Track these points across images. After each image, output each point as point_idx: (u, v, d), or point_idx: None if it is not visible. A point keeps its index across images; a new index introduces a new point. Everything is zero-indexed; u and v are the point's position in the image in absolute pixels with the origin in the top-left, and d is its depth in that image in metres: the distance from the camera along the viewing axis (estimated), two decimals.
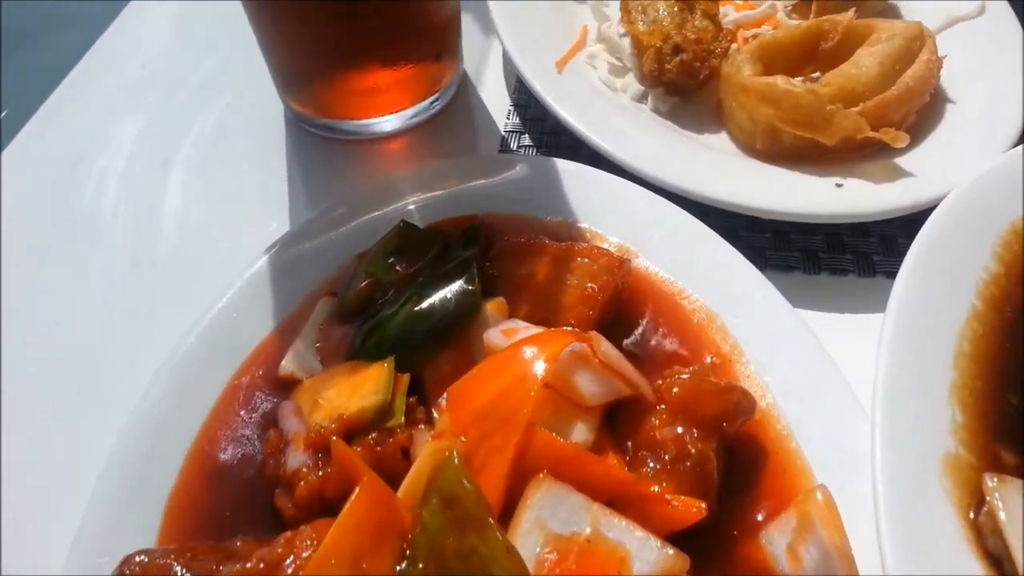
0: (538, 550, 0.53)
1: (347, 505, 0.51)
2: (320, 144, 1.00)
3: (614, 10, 1.04)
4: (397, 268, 0.76)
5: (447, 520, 0.51)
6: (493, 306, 0.70)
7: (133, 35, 1.18)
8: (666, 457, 0.59)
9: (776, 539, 0.58)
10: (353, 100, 0.97)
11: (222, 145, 1.02)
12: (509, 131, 1.01)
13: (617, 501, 0.57)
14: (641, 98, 0.98)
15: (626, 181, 0.82)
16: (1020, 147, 0.78)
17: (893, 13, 1.04)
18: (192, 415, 0.68)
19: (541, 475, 0.55)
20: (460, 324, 0.68)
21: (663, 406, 0.61)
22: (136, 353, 0.79)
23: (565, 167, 0.85)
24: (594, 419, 0.61)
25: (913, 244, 0.70)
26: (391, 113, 0.99)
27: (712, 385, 0.61)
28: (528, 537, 0.53)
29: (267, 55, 0.96)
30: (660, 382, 0.63)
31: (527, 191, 0.84)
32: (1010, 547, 0.53)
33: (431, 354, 0.68)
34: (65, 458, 0.74)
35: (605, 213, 0.81)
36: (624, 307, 0.73)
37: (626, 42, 1.00)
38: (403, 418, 0.62)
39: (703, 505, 0.56)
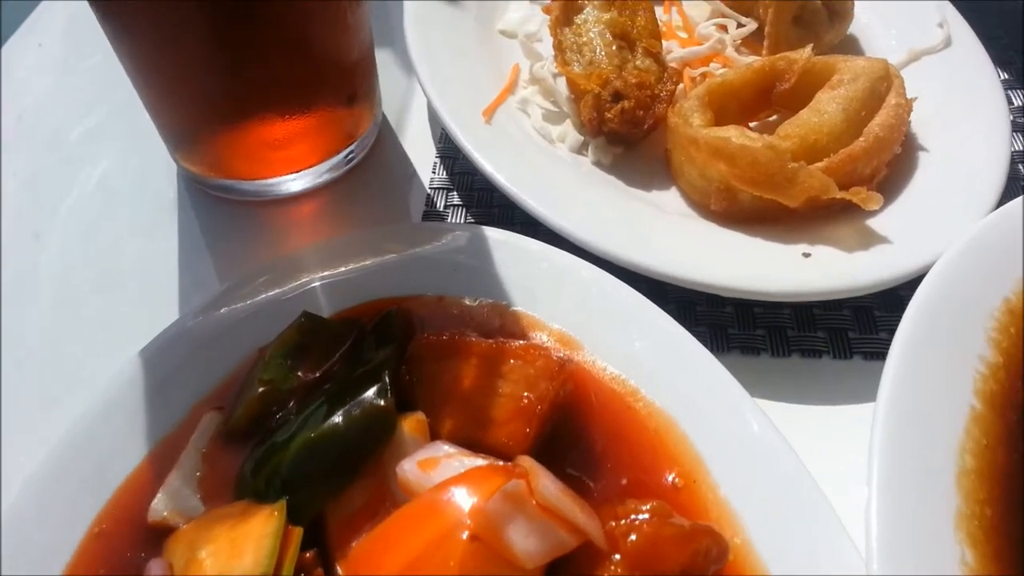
0: None
1: None
2: (218, 208, 0.88)
3: (548, 47, 0.92)
4: (298, 373, 0.64)
5: None
6: (411, 425, 0.58)
7: (5, 82, 1.04)
8: None
9: None
10: (251, 157, 0.85)
11: (105, 213, 0.89)
12: (435, 187, 0.90)
13: None
14: (581, 148, 0.87)
15: (566, 253, 0.71)
16: (1007, 206, 0.69)
17: (851, 46, 0.95)
18: None
19: None
20: (370, 451, 0.56)
21: (618, 556, 0.50)
22: None
23: (495, 237, 0.74)
24: None
25: (896, 338, 0.60)
26: (298, 170, 0.87)
27: (676, 530, 0.50)
28: None
29: (148, 108, 0.83)
30: (613, 524, 0.52)
31: (452, 269, 0.72)
32: None
33: (335, 491, 0.56)
34: None
35: (543, 293, 0.70)
36: (567, 417, 0.62)
37: (562, 83, 0.90)
38: None
39: None
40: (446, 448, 0.56)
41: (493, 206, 0.87)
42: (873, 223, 0.74)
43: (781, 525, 0.55)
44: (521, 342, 0.63)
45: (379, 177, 0.91)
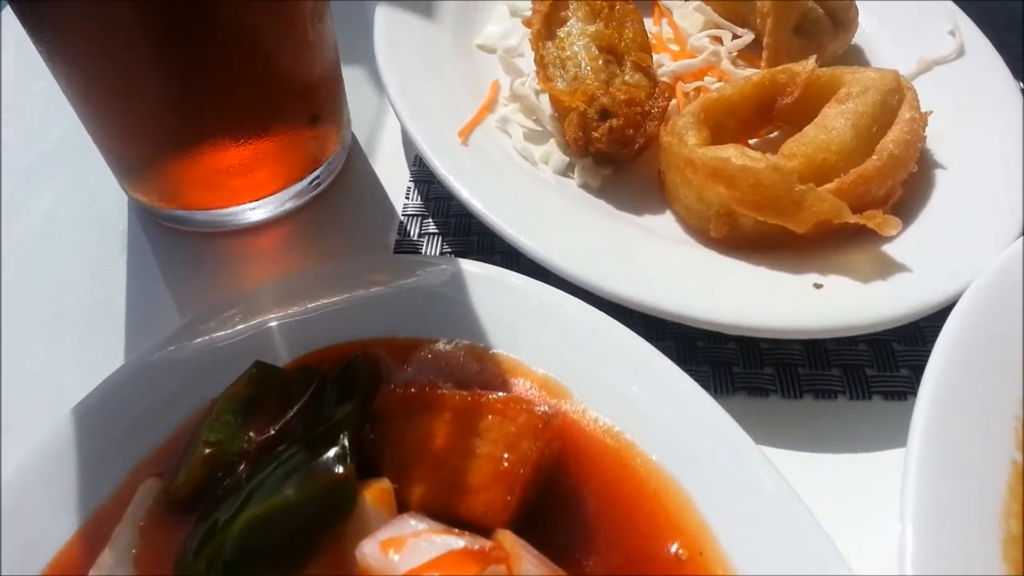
0: None
1: None
2: (172, 240, 0.80)
3: (529, 63, 0.85)
4: (249, 432, 0.57)
5: None
6: (374, 495, 0.50)
7: None
8: None
9: None
10: (205, 185, 0.77)
11: (50, 248, 0.81)
12: (409, 214, 0.82)
13: None
14: (566, 170, 0.80)
15: (551, 288, 0.64)
16: None
17: (857, 56, 0.88)
18: None
19: None
20: (327, 529, 0.49)
21: None
22: None
23: (473, 271, 0.67)
24: None
25: (923, 386, 0.54)
26: (258, 198, 0.79)
27: None
28: None
29: (91, 135, 0.75)
30: None
31: (425, 307, 0.65)
32: None
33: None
34: None
35: (526, 333, 0.63)
36: (554, 480, 0.54)
37: (546, 100, 0.83)
38: None
39: None
40: (414, 524, 0.48)
41: (472, 234, 0.80)
42: (890, 249, 0.67)
43: None
44: (501, 394, 0.55)
45: (348, 204, 0.84)
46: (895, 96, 0.72)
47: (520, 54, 0.92)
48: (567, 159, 0.79)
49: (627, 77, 0.79)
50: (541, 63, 0.81)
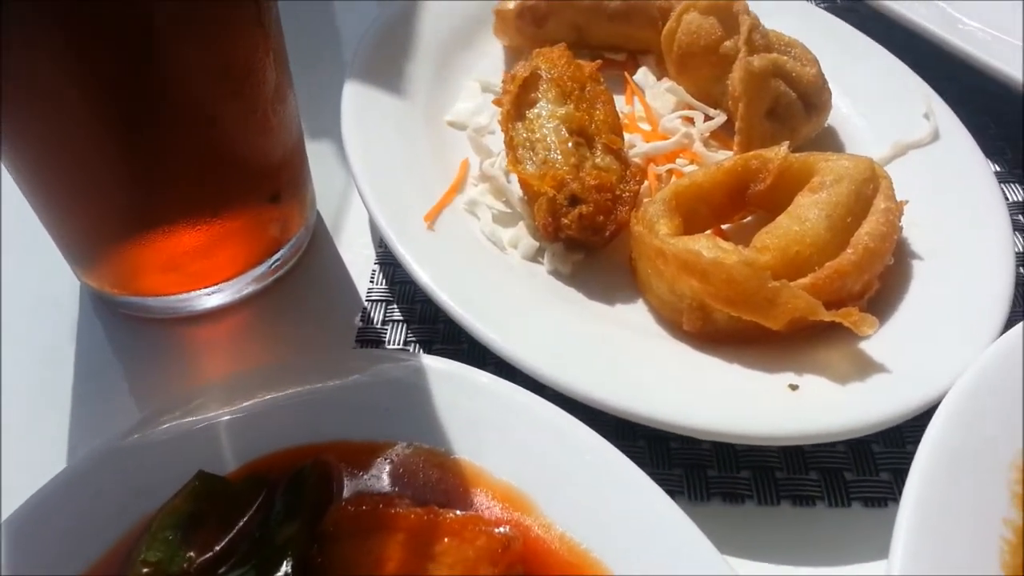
0: None
1: None
2: (127, 327, 0.77)
3: (500, 141, 0.83)
4: (189, 552, 0.53)
5: None
6: None
7: None
8: None
9: None
10: (161, 270, 0.74)
11: None
12: (373, 299, 0.80)
13: None
14: (536, 255, 0.77)
15: (517, 388, 0.61)
16: (1020, 327, 0.60)
17: (831, 139, 0.87)
18: None
19: None
20: None
21: None
22: None
23: (436, 368, 0.64)
24: None
25: (905, 496, 0.51)
26: (217, 283, 0.76)
27: None
28: None
29: (40, 217, 0.72)
30: None
31: (383, 408, 0.62)
32: None
33: None
34: None
35: (490, 437, 0.60)
36: None
37: (515, 182, 0.81)
38: None
39: None
40: None
41: (438, 321, 0.77)
42: (868, 347, 0.64)
43: None
44: (458, 512, 0.52)
45: (310, 288, 0.81)
46: (870, 185, 0.70)
47: (491, 131, 0.90)
48: (537, 244, 0.77)
49: (598, 160, 0.77)
50: (510, 144, 0.80)
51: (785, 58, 0.82)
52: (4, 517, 0.55)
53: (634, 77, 0.95)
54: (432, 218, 0.77)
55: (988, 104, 0.96)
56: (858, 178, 0.70)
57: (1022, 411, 0.57)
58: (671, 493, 0.61)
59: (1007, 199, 0.81)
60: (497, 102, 0.85)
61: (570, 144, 0.77)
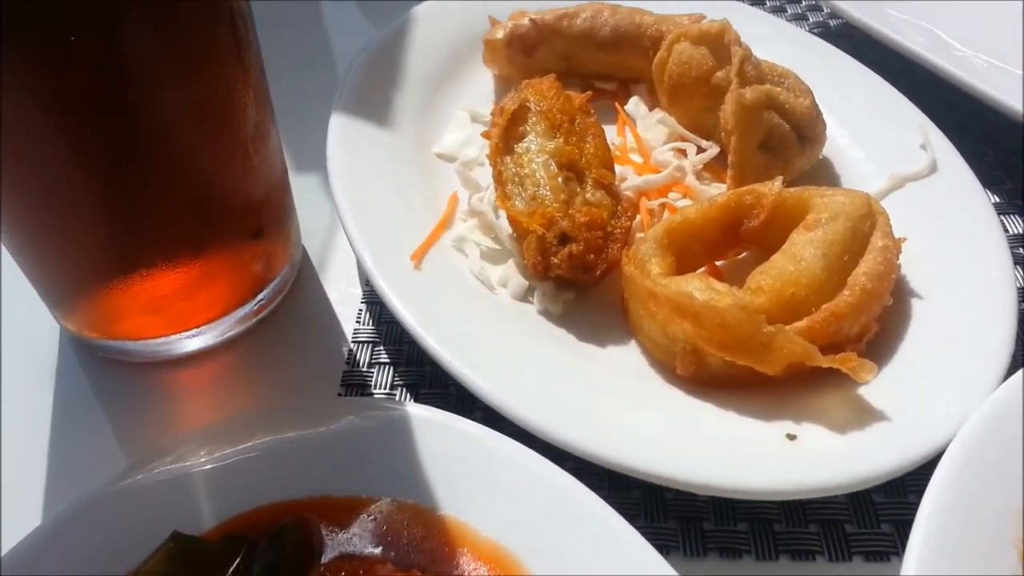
0: None
1: None
2: (108, 371, 0.75)
3: (488, 175, 0.81)
4: None
5: None
6: None
7: None
8: None
9: None
10: (141, 313, 0.72)
11: None
12: (360, 340, 0.78)
13: None
14: (526, 295, 0.75)
15: (505, 439, 0.59)
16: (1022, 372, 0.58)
17: (826, 171, 0.85)
18: None
19: None
20: None
21: None
22: None
23: (422, 416, 0.62)
24: None
25: (908, 553, 0.49)
26: (199, 325, 0.74)
27: None
28: None
29: (17, 261, 0.70)
30: None
31: (366, 460, 0.60)
32: None
33: None
34: None
35: (476, 491, 0.58)
36: None
37: (504, 217, 0.79)
38: None
39: None
40: None
41: (424, 364, 0.75)
42: (867, 392, 0.62)
43: None
44: None
45: (294, 329, 0.79)
46: (866, 222, 0.68)
47: (480, 163, 0.88)
48: (526, 283, 0.75)
49: (588, 195, 0.75)
50: (499, 180, 0.78)
51: (778, 89, 0.81)
52: None
53: (625, 107, 0.93)
54: (418, 258, 0.75)
55: (985, 131, 0.95)
56: (854, 215, 0.68)
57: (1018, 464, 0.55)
58: (666, 548, 0.59)
59: (1007, 231, 0.80)
60: (486, 135, 0.83)
61: (560, 179, 0.75)
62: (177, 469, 0.60)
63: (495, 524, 0.56)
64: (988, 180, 0.86)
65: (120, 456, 0.69)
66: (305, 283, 0.83)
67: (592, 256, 0.71)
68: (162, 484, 0.59)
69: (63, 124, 0.57)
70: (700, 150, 0.85)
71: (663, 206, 0.81)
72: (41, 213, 0.64)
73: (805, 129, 0.80)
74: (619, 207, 0.76)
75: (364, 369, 0.75)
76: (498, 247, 0.79)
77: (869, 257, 0.66)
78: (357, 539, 0.56)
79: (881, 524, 0.61)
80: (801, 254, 0.66)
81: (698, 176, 0.83)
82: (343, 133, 0.85)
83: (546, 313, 0.74)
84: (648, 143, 0.87)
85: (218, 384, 0.75)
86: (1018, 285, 0.72)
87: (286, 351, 0.77)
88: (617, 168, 0.82)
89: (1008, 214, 0.87)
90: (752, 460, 0.58)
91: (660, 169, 0.83)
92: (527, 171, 0.77)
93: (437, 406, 0.63)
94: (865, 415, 0.61)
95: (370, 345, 0.77)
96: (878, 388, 0.62)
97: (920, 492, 0.52)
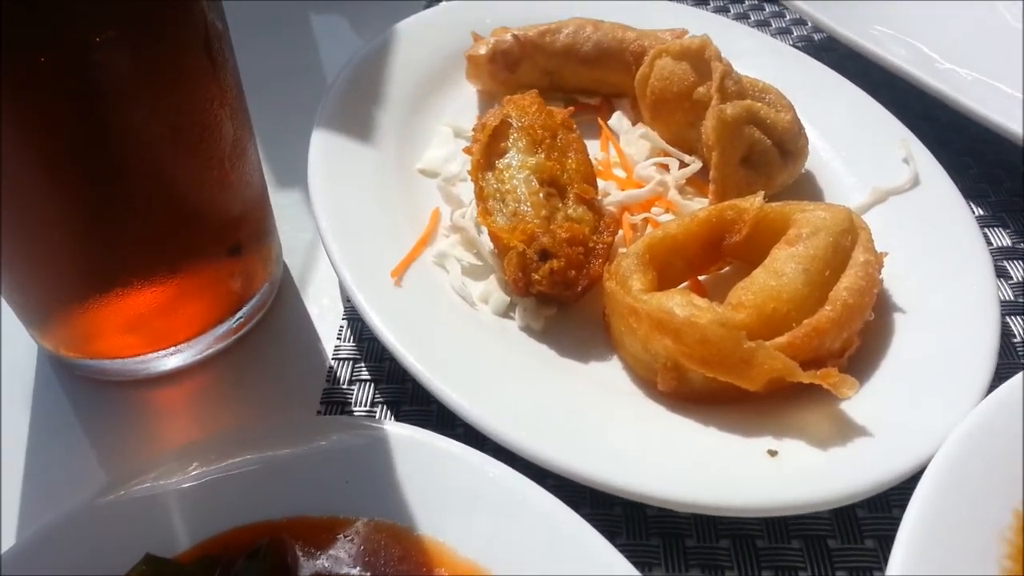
0: None
1: None
2: (86, 390, 0.74)
3: (470, 190, 0.81)
4: None
5: None
6: None
7: None
8: None
9: None
10: (117, 332, 0.72)
11: None
12: (340, 357, 0.77)
13: None
14: (507, 311, 0.75)
15: (486, 457, 0.59)
16: (1007, 386, 0.58)
17: (808, 185, 0.85)
18: None
19: None
20: None
21: None
22: None
23: (401, 435, 0.61)
24: None
25: (891, 567, 0.48)
26: (177, 343, 0.73)
27: None
28: None
29: None
30: None
31: (345, 479, 0.59)
32: None
33: None
34: None
35: (455, 511, 0.57)
36: None
37: (486, 233, 0.79)
38: None
39: None
40: None
41: (406, 381, 0.74)
42: (849, 407, 0.62)
43: None
44: None
45: (274, 346, 0.78)
46: (848, 237, 0.68)
47: (462, 179, 0.88)
48: (508, 299, 0.75)
49: (570, 211, 0.75)
50: (480, 195, 0.77)
51: (759, 104, 0.81)
52: None
53: (608, 122, 0.93)
54: (399, 274, 0.74)
55: (968, 144, 0.95)
56: (836, 229, 0.68)
57: (1012, 474, 0.55)
58: (648, 565, 0.59)
59: (990, 244, 0.79)
60: (467, 151, 0.82)
61: (541, 195, 0.75)
62: (152, 489, 0.59)
63: (474, 545, 0.56)
64: (971, 193, 0.86)
65: (98, 475, 0.69)
66: (286, 300, 0.83)
67: (573, 272, 0.71)
68: (137, 504, 0.58)
69: (37, 144, 0.56)
70: (683, 165, 0.84)
71: (646, 220, 0.81)
72: (15, 232, 0.63)
73: (787, 144, 0.80)
74: (601, 222, 0.76)
75: (345, 386, 0.74)
76: (480, 263, 0.79)
77: (851, 272, 0.66)
78: (334, 560, 0.56)
79: (865, 539, 0.60)
80: (782, 269, 0.66)
81: (681, 191, 0.83)
82: (325, 148, 0.84)
83: (528, 329, 0.73)
84: (631, 158, 0.87)
85: (197, 403, 0.74)
86: (1001, 299, 0.72)
87: (266, 369, 0.76)
88: (600, 183, 0.82)
89: (992, 227, 0.87)
90: (733, 477, 0.57)
91: (643, 184, 0.83)
92: (508, 187, 0.77)
93: (419, 423, 0.62)
94: (847, 430, 0.60)
95: (351, 362, 0.76)
96: (860, 403, 0.62)
97: (904, 507, 0.52)
